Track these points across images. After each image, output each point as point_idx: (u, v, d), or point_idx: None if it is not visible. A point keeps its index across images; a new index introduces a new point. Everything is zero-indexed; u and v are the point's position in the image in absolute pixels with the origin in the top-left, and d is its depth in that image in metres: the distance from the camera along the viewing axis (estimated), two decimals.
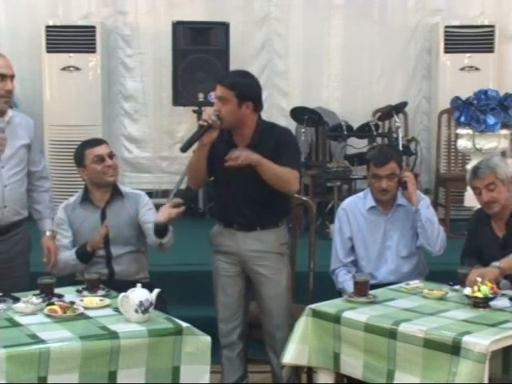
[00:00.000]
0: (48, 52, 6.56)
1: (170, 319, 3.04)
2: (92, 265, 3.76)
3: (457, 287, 3.49)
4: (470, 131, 5.47)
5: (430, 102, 7.06)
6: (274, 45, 7.06)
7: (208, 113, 3.67)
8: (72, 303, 3.12)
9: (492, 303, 3.21)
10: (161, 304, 3.20)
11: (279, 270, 3.71)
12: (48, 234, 3.84)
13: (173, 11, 6.90)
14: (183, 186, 5.79)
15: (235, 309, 3.77)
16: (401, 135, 6.02)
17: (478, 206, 3.96)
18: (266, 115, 4.00)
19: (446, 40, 6.70)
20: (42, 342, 2.74)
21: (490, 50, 6.69)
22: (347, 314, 3.17)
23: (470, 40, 6.69)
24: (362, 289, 3.36)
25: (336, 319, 3.18)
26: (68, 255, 3.76)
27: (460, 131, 5.63)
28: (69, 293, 3.36)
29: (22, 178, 3.70)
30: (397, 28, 7.04)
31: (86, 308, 3.12)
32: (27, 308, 3.07)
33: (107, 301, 3.22)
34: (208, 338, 3.01)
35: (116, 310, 3.07)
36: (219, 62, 6.48)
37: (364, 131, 6.14)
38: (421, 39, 7.05)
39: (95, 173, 3.81)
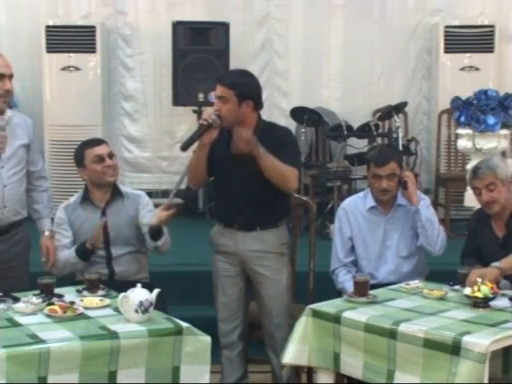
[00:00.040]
0: (48, 52, 6.56)
1: (170, 319, 3.04)
2: (92, 265, 3.76)
3: (457, 287, 3.49)
4: (469, 131, 5.47)
5: (430, 102, 7.06)
6: (274, 45, 7.06)
7: (208, 112, 3.67)
8: (72, 303, 3.12)
9: (492, 303, 3.21)
10: (161, 304, 3.20)
11: (279, 269, 3.71)
12: (47, 233, 3.84)
13: (173, 11, 6.90)
14: (183, 186, 5.79)
15: (235, 309, 3.77)
16: (401, 135, 6.02)
17: (477, 206, 3.96)
18: (265, 115, 4.00)
19: (445, 40, 6.70)
20: (42, 342, 2.74)
21: (490, 50, 6.69)
22: (347, 314, 3.17)
23: (470, 40, 6.68)
24: (362, 289, 3.36)
25: (336, 319, 3.18)
26: (68, 254, 3.76)
27: (460, 131, 5.63)
28: (69, 293, 3.36)
29: (21, 177, 3.70)
30: (397, 28, 7.04)
31: (85, 308, 3.12)
32: (27, 308, 3.07)
33: (107, 301, 3.22)
34: (208, 338, 3.01)
35: (116, 309, 3.07)
36: (219, 62, 6.48)
37: (364, 131, 6.14)
38: (421, 39, 7.05)
39: (95, 173, 3.80)
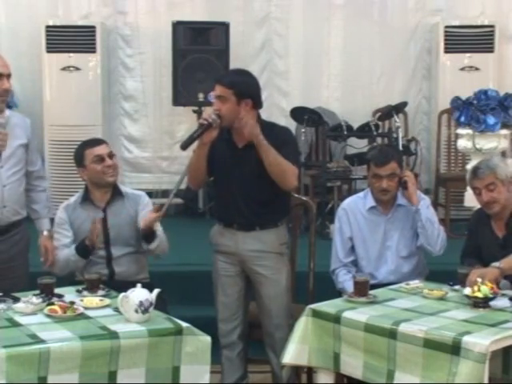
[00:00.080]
0: (48, 52, 6.55)
1: (170, 319, 3.04)
2: (92, 265, 3.76)
3: (457, 287, 3.49)
4: (470, 131, 5.47)
5: (430, 102, 7.06)
6: (273, 45, 7.06)
7: (208, 112, 3.67)
8: (72, 303, 3.12)
9: (492, 303, 3.21)
10: (161, 304, 3.20)
11: (279, 269, 3.71)
12: (45, 233, 3.84)
13: (173, 11, 6.89)
14: (183, 186, 5.79)
15: (235, 309, 3.77)
16: (401, 135, 6.02)
17: (477, 205, 3.96)
18: (265, 115, 4.00)
19: (445, 40, 6.70)
20: (42, 342, 2.74)
21: (490, 50, 6.69)
22: (347, 314, 3.17)
23: (470, 40, 6.68)
24: (362, 289, 3.36)
25: (336, 319, 3.18)
26: (68, 252, 3.76)
27: (460, 131, 5.63)
28: (69, 293, 3.36)
29: (20, 177, 3.70)
30: (397, 28, 7.04)
31: (85, 308, 3.12)
32: (27, 308, 3.07)
33: (107, 301, 3.22)
34: (208, 338, 3.01)
35: (116, 310, 3.07)
36: (219, 61, 6.48)
37: (364, 131, 6.14)
38: (421, 39, 7.05)
39: (95, 173, 3.80)
